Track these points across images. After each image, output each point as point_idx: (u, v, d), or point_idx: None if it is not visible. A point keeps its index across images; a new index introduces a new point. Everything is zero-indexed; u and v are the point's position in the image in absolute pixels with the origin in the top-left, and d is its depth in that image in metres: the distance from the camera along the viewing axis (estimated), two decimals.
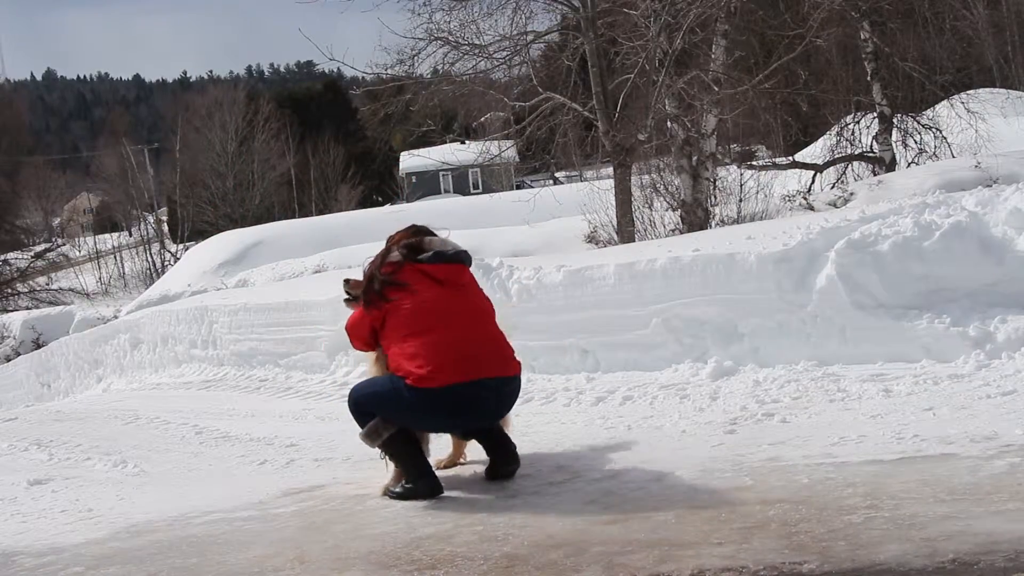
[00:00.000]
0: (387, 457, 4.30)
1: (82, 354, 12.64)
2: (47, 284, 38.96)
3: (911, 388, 5.08)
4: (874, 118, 19.69)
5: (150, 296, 25.48)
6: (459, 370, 4.10)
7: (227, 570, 3.52)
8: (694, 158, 12.76)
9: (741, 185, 14.61)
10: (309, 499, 4.44)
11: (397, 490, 4.25)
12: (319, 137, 48.68)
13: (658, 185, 14.30)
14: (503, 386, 4.28)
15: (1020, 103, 21.39)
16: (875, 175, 18.80)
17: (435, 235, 4.47)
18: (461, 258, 4.39)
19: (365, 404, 4.26)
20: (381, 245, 4.55)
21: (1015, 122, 19.97)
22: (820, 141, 22.26)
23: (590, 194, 14.66)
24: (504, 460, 4.38)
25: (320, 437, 5.90)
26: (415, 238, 4.40)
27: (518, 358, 4.43)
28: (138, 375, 11.08)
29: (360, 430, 4.28)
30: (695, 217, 12.71)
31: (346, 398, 4.45)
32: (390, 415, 4.19)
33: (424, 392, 4.08)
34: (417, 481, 4.20)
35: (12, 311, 29.89)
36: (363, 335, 4.42)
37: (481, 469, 4.52)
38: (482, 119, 18.22)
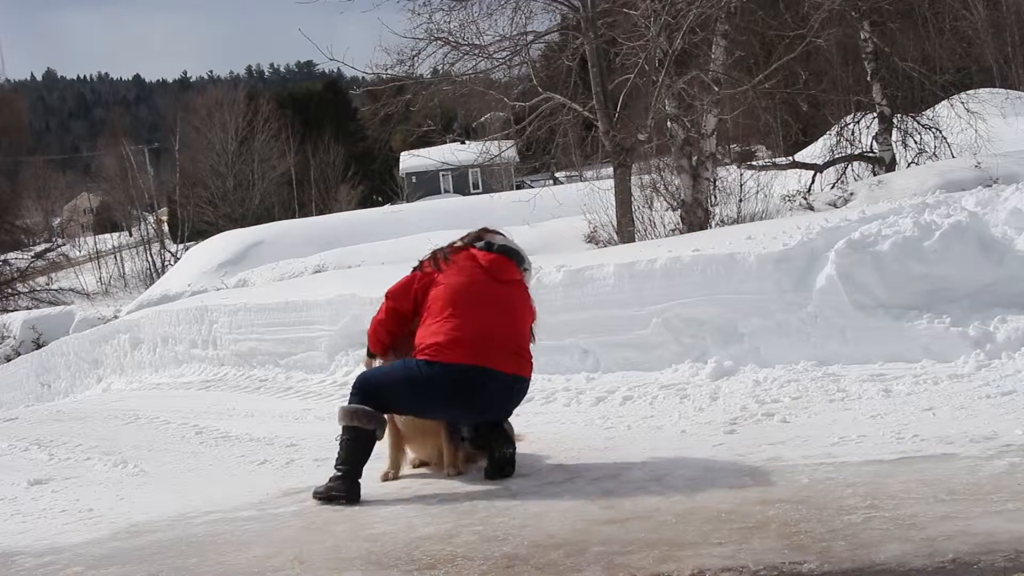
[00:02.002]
0: (340, 445, 4.32)
1: (82, 354, 12.64)
2: (47, 284, 38.89)
3: (911, 388, 5.09)
4: (874, 118, 19.67)
5: (150, 296, 25.47)
6: (472, 353, 4.25)
7: (227, 570, 3.52)
8: (694, 158, 12.75)
9: (741, 185, 14.59)
10: (309, 499, 4.43)
11: (320, 490, 4.29)
12: (319, 137, 48.61)
13: (658, 185, 14.27)
14: (513, 383, 4.40)
15: (1020, 103, 21.38)
16: (875, 175, 18.79)
17: (500, 234, 4.74)
18: (507, 252, 4.61)
19: (370, 383, 4.35)
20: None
21: (1015, 122, 19.96)
22: (820, 141, 22.24)
23: (590, 194, 14.64)
24: (499, 443, 4.41)
25: (320, 437, 5.89)
26: (479, 231, 4.74)
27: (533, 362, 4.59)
28: (138, 375, 11.08)
29: (345, 404, 4.35)
30: (695, 217, 12.69)
31: (346, 398, 4.49)
32: (398, 398, 4.30)
33: (437, 367, 4.23)
34: (346, 480, 4.24)
35: (12, 311, 29.84)
36: (405, 299, 4.54)
37: (480, 468, 4.52)
38: (482, 119, 18.22)
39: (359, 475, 4.29)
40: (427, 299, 4.48)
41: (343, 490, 4.24)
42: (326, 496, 4.28)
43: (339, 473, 4.28)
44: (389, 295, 4.65)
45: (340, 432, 4.37)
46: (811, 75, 16.04)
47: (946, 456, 3.93)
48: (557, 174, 31.25)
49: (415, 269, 4.68)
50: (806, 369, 5.69)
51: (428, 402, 4.33)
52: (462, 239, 4.72)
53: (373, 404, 4.32)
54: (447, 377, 4.23)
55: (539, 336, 6.78)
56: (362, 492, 4.37)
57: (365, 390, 4.35)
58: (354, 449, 4.30)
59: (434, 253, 4.66)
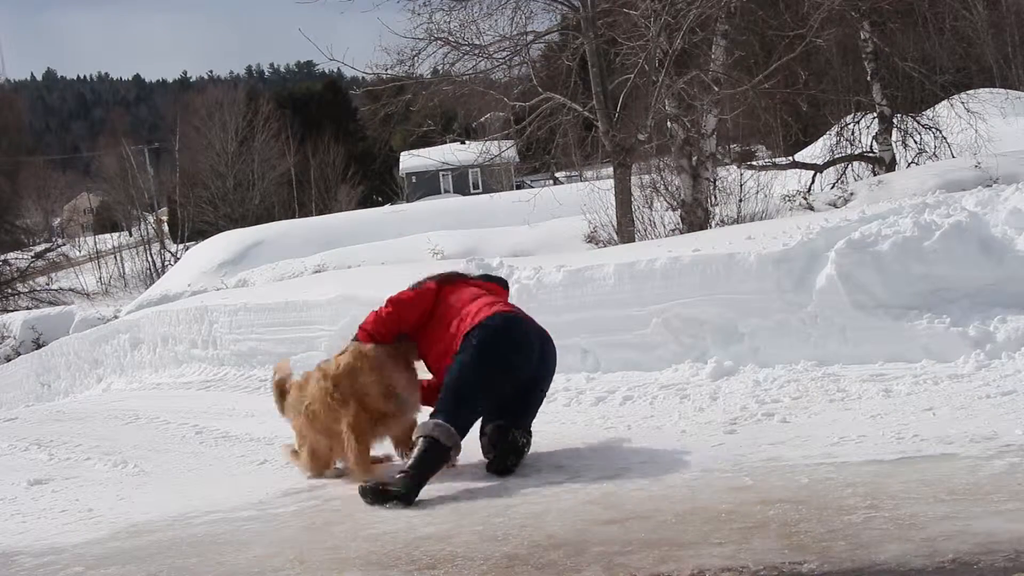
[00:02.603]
0: (415, 453, 4.25)
1: (82, 354, 12.63)
2: (47, 284, 38.87)
3: (911, 388, 5.09)
4: (874, 118, 19.69)
5: (150, 296, 25.46)
6: (512, 312, 4.73)
7: (227, 570, 3.53)
8: (694, 158, 12.76)
9: (741, 185, 14.59)
10: (309, 499, 4.44)
11: (372, 484, 4.19)
12: (319, 137, 48.60)
13: (658, 185, 14.28)
14: (545, 343, 4.72)
15: (1020, 103, 21.40)
16: (875, 175, 18.81)
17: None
18: (502, 281, 5.27)
19: (446, 397, 4.39)
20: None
21: (1015, 122, 19.98)
22: (820, 141, 22.27)
23: (590, 194, 14.64)
24: (516, 432, 4.50)
25: None
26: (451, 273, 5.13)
27: None
28: (138, 375, 11.07)
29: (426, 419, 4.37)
30: (695, 217, 12.70)
31: None
32: (471, 383, 4.41)
33: (495, 318, 4.53)
34: (409, 482, 4.16)
35: (12, 311, 29.83)
36: (414, 310, 4.74)
37: (480, 468, 4.53)
38: (482, 119, 18.23)
39: (423, 484, 4.20)
40: (438, 310, 4.70)
41: (403, 487, 4.12)
42: (379, 491, 4.13)
43: (404, 475, 4.20)
44: (394, 303, 4.75)
45: (409, 452, 4.34)
46: (811, 75, 16.05)
47: (946, 456, 3.93)
48: (557, 174, 31.23)
49: (414, 288, 4.85)
50: (806, 369, 5.69)
51: (492, 364, 4.44)
52: (445, 274, 5.04)
53: (459, 422, 4.33)
54: (506, 323, 4.55)
55: None
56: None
57: (448, 405, 4.36)
58: (426, 459, 4.23)
59: (431, 278, 4.90)
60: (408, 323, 4.73)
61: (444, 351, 4.59)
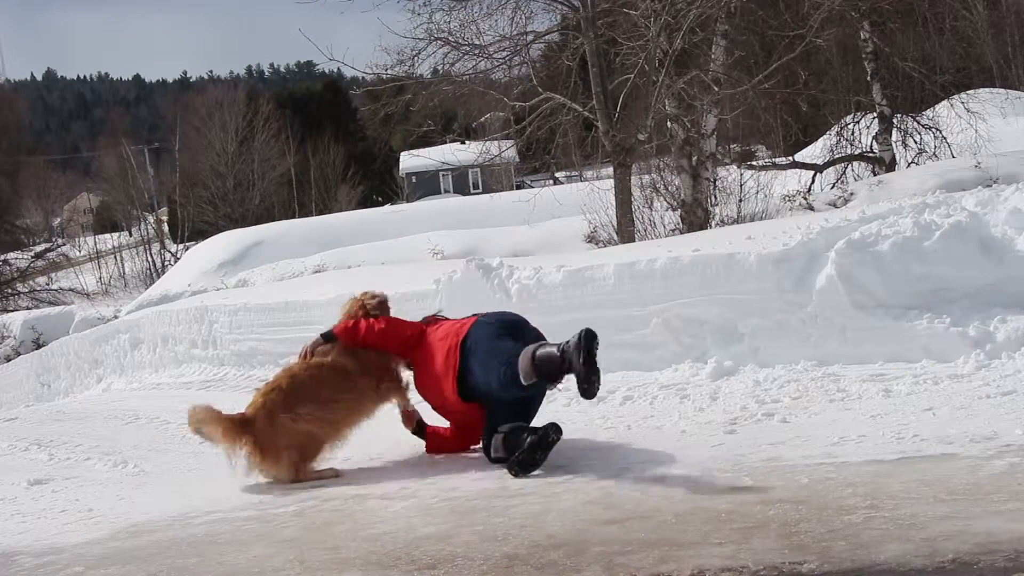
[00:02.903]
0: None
1: (82, 354, 12.63)
2: (47, 284, 38.87)
3: (911, 388, 5.09)
4: (874, 118, 19.69)
5: (150, 296, 25.45)
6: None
7: (227, 570, 3.53)
8: (694, 158, 12.76)
9: (741, 185, 14.60)
10: (309, 499, 4.44)
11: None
12: (319, 137, 48.60)
13: (658, 185, 14.29)
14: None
15: (1020, 103, 21.39)
16: (875, 175, 18.81)
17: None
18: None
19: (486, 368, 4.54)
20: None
21: (1015, 122, 19.97)
22: (820, 141, 22.27)
23: (590, 194, 14.64)
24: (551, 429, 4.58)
25: None
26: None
27: None
28: (138, 375, 11.07)
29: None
30: (695, 217, 12.70)
31: None
32: (485, 363, 4.54)
33: (478, 323, 4.74)
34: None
35: (12, 311, 29.83)
36: (398, 334, 4.92)
37: (480, 468, 4.52)
38: (482, 119, 18.24)
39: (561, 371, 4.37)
40: (426, 340, 4.86)
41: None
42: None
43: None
44: (389, 321, 5.01)
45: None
46: (811, 75, 16.04)
47: (946, 456, 3.94)
48: (557, 174, 31.23)
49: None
50: (806, 369, 5.69)
51: (495, 340, 4.60)
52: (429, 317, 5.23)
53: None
54: (491, 316, 4.83)
55: None
56: (361, 491, 4.38)
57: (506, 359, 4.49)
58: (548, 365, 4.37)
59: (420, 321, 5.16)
60: (392, 345, 4.92)
61: (439, 377, 4.71)
